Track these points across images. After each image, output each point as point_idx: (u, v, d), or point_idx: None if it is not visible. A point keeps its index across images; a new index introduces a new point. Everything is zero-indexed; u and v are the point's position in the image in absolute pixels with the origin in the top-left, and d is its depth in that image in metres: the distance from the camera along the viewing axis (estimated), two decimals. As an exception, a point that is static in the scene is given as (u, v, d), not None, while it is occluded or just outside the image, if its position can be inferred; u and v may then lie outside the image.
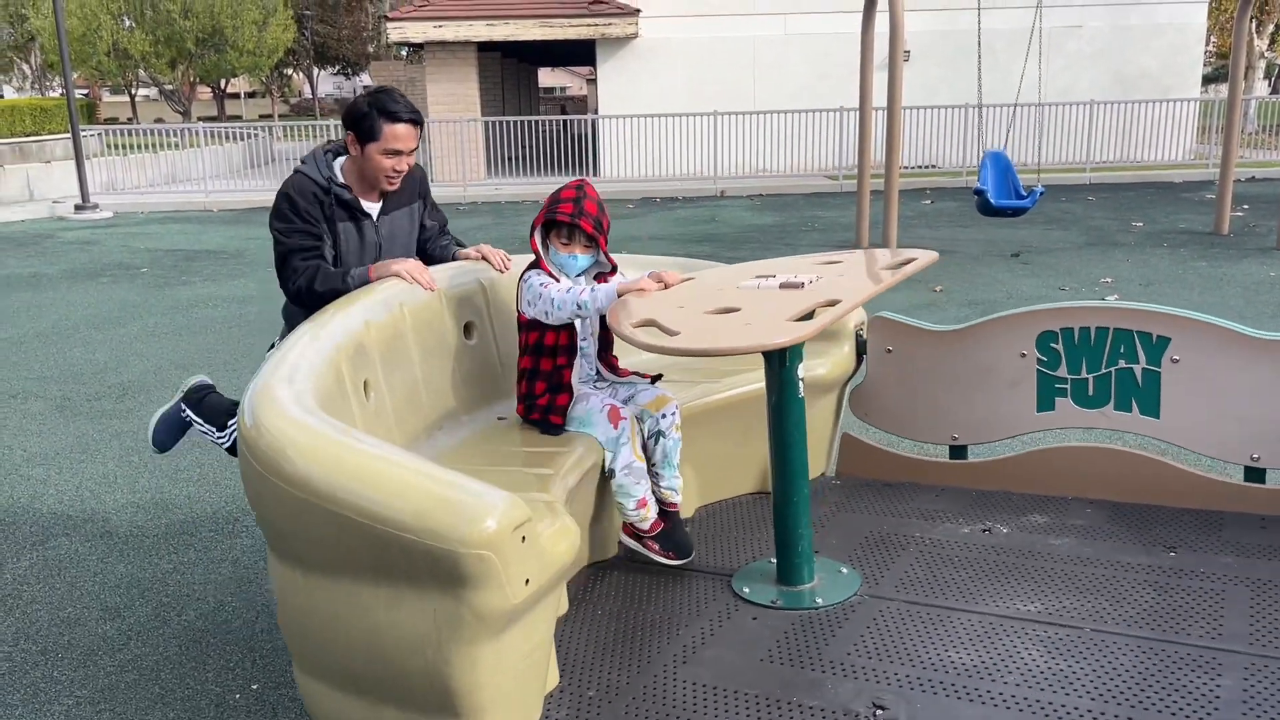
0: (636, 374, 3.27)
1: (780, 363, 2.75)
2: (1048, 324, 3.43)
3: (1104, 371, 3.37)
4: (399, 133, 3.05)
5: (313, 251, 3.14)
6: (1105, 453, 3.42)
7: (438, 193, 17.91)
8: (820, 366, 3.54)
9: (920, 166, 18.17)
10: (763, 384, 3.42)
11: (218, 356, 7.34)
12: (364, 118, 3.06)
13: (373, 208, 3.23)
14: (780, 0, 18.95)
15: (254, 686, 3.19)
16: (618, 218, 13.84)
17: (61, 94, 26.03)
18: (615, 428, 2.97)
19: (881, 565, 2.98)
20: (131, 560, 4.15)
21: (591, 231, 3.03)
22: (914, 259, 3.14)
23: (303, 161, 3.22)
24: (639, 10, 18.62)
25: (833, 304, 2.64)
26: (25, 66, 34.75)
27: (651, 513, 3.03)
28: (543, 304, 2.99)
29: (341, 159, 3.22)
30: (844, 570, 2.94)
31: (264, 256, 11.99)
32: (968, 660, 2.45)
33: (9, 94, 36.83)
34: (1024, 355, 3.47)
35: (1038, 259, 10.30)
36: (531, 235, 3.11)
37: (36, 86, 34.85)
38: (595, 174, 18.92)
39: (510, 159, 19.37)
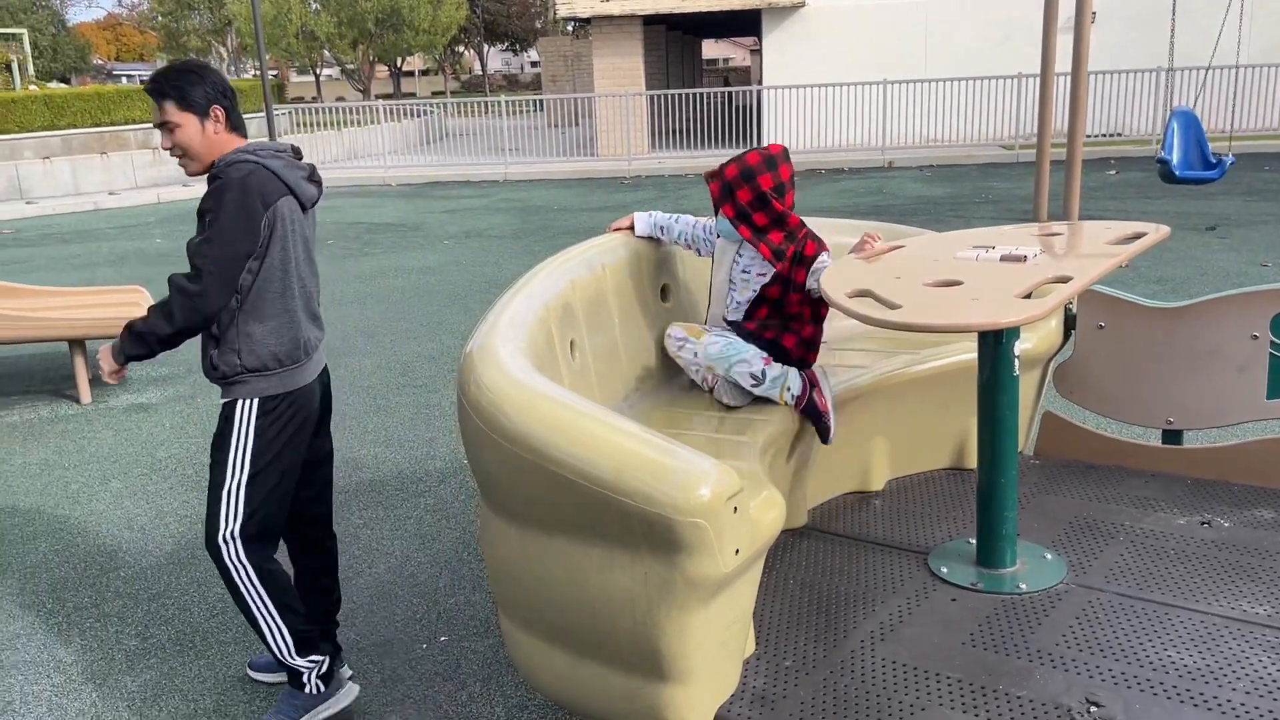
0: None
1: (997, 339, 2.62)
2: None
3: None
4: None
5: None
6: None
7: (601, 167, 18.14)
8: (1026, 341, 3.36)
9: (1105, 135, 17.14)
10: (964, 357, 3.29)
11: (399, 325, 7.65)
12: None
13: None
14: (956, -37, 18.20)
15: (441, 639, 3.30)
16: (783, 190, 13.58)
17: (255, 75, 27.63)
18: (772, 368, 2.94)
19: (1088, 553, 2.82)
20: (329, 514, 4.37)
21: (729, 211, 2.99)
22: (1143, 233, 2.92)
23: None
24: (807, -22, 18.25)
25: (1063, 280, 2.48)
26: (222, 49, 37.02)
27: (795, 384, 2.94)
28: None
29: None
30: (1048, 556, 2.80)
31: (441, 230, 12.42)
32: (1189, 662, 2.28)
33: (206, 76, 39.26)
34: (1256, 337, 3.20)
35: (1237, 233, 9.53)
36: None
37: (232, 69, 37.09)
38: (759, 146, 18.67)
39: (674, 132, 19.37)
